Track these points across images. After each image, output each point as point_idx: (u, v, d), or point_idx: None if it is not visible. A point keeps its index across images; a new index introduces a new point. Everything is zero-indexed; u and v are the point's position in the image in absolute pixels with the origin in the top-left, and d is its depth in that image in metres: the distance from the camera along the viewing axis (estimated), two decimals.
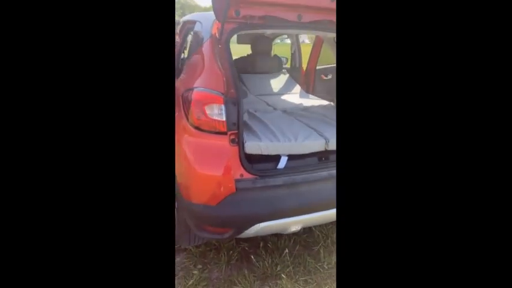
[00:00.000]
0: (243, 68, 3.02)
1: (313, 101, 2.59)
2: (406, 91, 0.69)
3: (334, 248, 1.92)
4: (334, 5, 1.78)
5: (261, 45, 3.16)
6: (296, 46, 3.20)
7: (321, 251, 1.87)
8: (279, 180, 1.52)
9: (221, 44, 1.61)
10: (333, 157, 1.74)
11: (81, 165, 0.67)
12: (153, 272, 0.70)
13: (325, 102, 2.49)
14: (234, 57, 3.41)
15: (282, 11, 1.73)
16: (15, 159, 0.62)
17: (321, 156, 1.71)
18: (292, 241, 1.95)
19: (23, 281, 0.63)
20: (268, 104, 2.38)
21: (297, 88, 2.98)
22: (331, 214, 1.61)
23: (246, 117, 1.84)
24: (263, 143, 1.52)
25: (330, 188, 1.61)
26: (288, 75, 3.13)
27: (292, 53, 3.33)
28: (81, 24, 0.67)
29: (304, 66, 3.30)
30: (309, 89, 3.30)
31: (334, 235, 2.02)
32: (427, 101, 0.68)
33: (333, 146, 1.65)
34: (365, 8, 0.71)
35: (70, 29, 0.67)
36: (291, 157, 1.60)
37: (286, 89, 2.96)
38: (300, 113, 2.11)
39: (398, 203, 0.68)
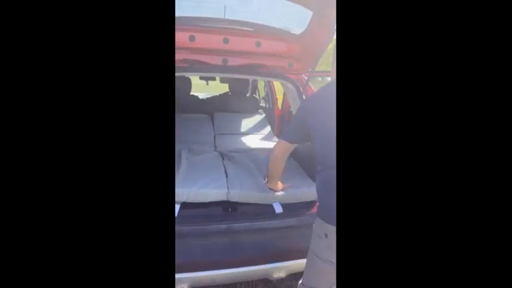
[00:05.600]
0: (218, 106, 3.06)
1: (266, 143, 2.48)
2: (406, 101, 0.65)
3: None
4: (260, 49, 1.75)
5: (238, 85, 3.20)
6: (268, 87, 3.17)
7: None
8: None
9: None
10: (243, 208, 1.59)
11: (80, 165, 0.65)
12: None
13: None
14: (215, 94, 3.50)
15: (205, 54, 1.74)
16: (12, 160, 0.61)
17: (227, 206, 1.57)
18: None
19: (19, 282, 0.61)
20: (213, 145, 2.32)
21: (267, 129, 2.91)
22: (225, 274, 1.43)
23: None
24: None
25: (225, 243, 1.45)
26: (264, 115, 3.08)
27: (265, 94, 3.30)
28: (80, 24, 0.64)
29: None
30: (282, 130, 3.21)
31: None
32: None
33: (235, 196, 1.51)
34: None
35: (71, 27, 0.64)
36: (186, 205, 1.49)
37: (255, 129, 2.90)
38: (235, 156, 2.01)
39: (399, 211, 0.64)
